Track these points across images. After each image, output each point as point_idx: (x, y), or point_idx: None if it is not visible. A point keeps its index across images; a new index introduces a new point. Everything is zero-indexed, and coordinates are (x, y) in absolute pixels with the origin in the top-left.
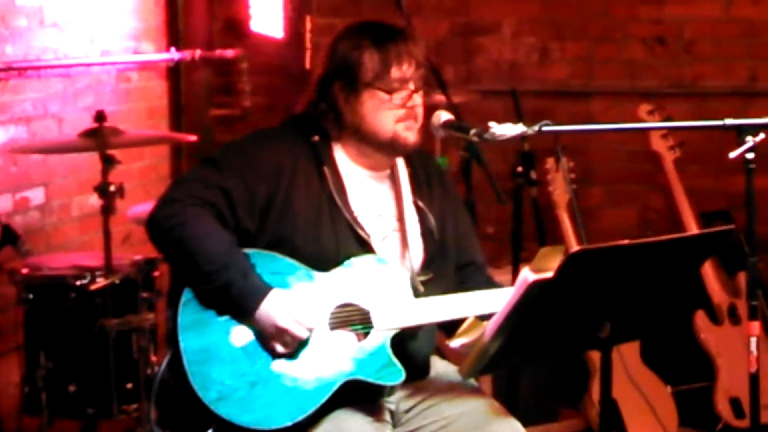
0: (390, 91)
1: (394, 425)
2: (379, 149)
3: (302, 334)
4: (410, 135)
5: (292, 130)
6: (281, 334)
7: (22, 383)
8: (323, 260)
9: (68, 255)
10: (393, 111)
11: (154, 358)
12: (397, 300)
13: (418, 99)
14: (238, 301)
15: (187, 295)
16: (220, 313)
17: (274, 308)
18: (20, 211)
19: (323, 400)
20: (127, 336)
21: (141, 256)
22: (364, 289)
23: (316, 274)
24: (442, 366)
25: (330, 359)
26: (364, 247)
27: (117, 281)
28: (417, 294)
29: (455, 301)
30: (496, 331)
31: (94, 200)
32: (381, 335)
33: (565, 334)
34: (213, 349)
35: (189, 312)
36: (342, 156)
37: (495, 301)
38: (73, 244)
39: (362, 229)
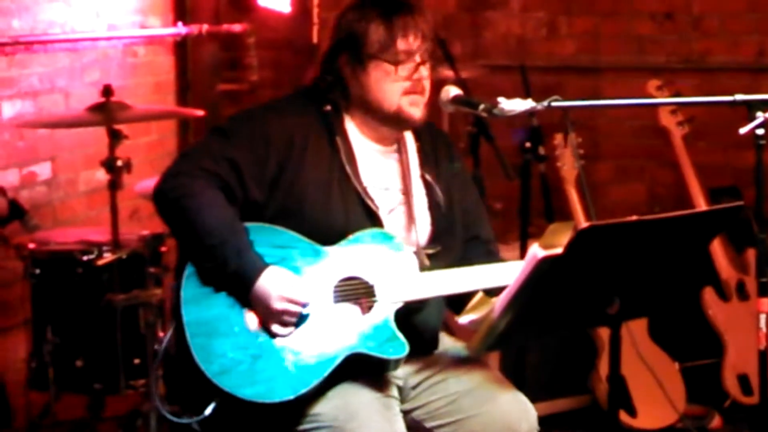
0: (395, 63)
1: (402, 401)
2: (385, 122)
3: (296, 309)
4: (415, 110)
5: (302, 101)
6: (277, 315)
7: (29, 358)
8: (332, 231)
9: (75, 230)
10: (398, 83)
11: (161, 334)
12: (401, 274)
13: (424, 71)
14: (233, 280)
15: (190, 268)
16: (219, 289)
17: (268, 288)
18: (27, 185)
19: (326, 373)
20: (135, 311)
21: (148, 231)
22: (368, 262)
23: (320, 248)
24: (450, 342)
25: (333, 333)
26: (373, 219)
27: (124, 256)
28: (422, 268)
29: (460, 275)
30: (505, 307)
31: (101, 175)
32: (385, 309)
33: (575, 310)
34: (215, 323)
35: (192, 285)
36: (352, 127)
37: (500, 275)
38: (80, 219)
39: (372, 200)
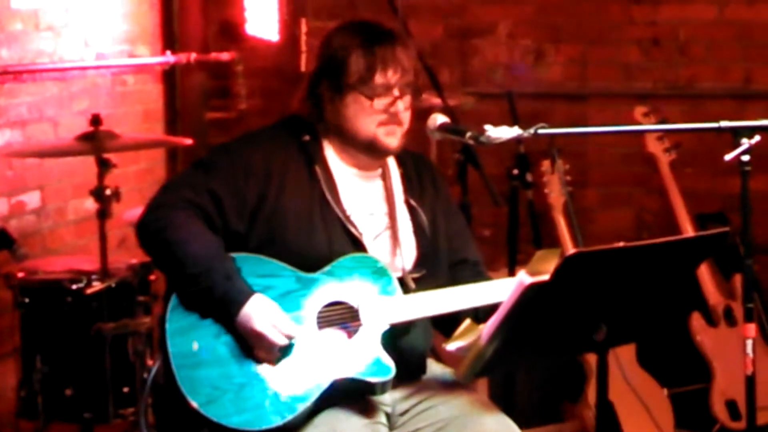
0: (371, 97)
1: (391, 427)
2: (361, 150)
3: (279, 340)
4: (391, 140)
5: (282, 131)
6: (259, 339)
7: (18, 387)
8: (316, 259)
9: (64, 259)
10: (373, 116)
11: (150, 362)
12: (386, 296)
13: (401, 105)
14: (220, 305)
15: (174, 300)
16: (203, 316)
17: (253, 313)
18: (16, 215)
19: (313, 399)
20: (124, 340)
21: (137, 259)
22: (352, 287)
23: (304, 275)
24: (438, 369)
25: (320, 358)
26: (357, 245)
27: (113, 285)
28: (408, 291)
29: (444, 296)
30: (492, 334)
31: (90, 204)
32: (371, 332)
33: (562, 337)
34: (201, 353)
35: (177, 317)
36: (332, 155)
37: (484, 295)
38: (69, 247)
39: (354, 227)
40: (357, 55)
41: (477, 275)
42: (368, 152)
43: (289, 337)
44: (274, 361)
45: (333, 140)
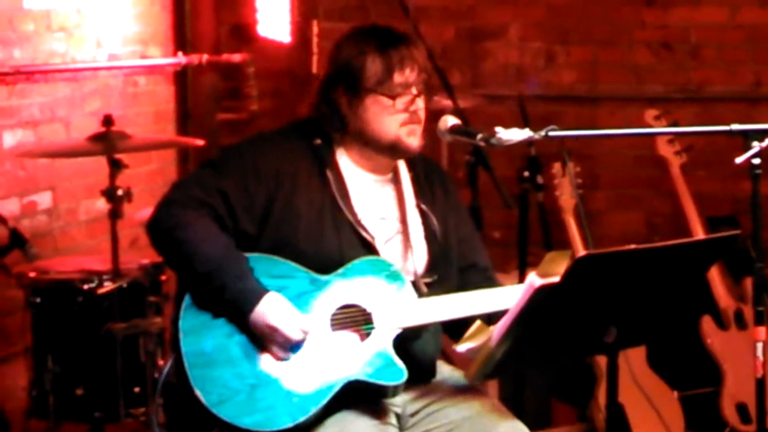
0: (393, 97)
1: (401, 429)
2: (382, 152)
3: (295, 335)
4: (413, 140)
5: (293, 134)
6: (274, 333)
7: (29, 387)
8: (327, 263)
9: (76, 259)
10: (396, 116)
11: (161, 362)
12: (398, 300)
13: (420, 103)
14: (233, 303)
15: (188, 299)
16: (216, 315)
17: (267, 310)
18: (28, 215)
19: (325, 401)
20: (135, 340)
21: (148, 260)
22: (365, 290)
23: (318, 277)
24: (447, 371)
25: (332, 360)
26: (368, 249)
27: (124, 285)
28: (420, 295)
29: (457, 301)
30: (502, 335)
31: (102, 204)
32: (383, 335)
33: (572, 339)
34: (214, 353)
35: (190, 316)
36: (344, 159)
37: (497, 300)
38: (81, 247)
39: (366, 231)
40: (373, 58)
41: (487, 281)
42: (389, 154)
43: (305, 332)
44: (286, 358)
45: (350, 145)
